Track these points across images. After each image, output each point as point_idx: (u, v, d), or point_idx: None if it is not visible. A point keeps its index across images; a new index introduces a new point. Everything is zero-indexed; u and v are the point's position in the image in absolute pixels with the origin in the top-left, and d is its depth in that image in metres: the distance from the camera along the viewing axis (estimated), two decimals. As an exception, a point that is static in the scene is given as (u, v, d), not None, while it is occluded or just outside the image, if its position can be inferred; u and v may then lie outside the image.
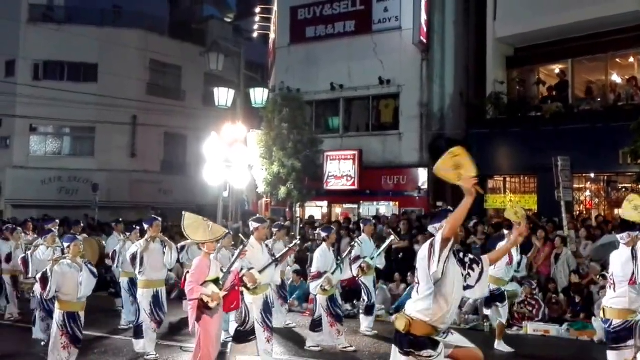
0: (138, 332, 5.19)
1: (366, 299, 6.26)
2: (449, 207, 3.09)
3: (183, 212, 4.20)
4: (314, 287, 5.45)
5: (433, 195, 11.46)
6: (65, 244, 4.49)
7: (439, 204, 10.35)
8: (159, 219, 5.51)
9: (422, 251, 2.80)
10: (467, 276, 2.74)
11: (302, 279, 7.67)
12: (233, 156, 9.44)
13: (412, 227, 8.76)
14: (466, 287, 2.77)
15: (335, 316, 5.44)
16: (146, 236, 5.28)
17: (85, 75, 17.39)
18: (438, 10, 12.06)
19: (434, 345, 2.70)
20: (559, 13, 10.00)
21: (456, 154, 2.74)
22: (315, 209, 12.77)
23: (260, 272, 4.69)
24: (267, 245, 5.11)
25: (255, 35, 17.54)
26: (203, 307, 3.91)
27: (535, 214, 9.49)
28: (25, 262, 5.77)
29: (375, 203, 12.20)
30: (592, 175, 10.36)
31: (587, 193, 10.73)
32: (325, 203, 12.80)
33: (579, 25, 9.97)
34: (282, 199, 10.85)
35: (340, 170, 12.17)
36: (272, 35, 15.83)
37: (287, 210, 11.76)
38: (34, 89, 16.11)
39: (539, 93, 11.24)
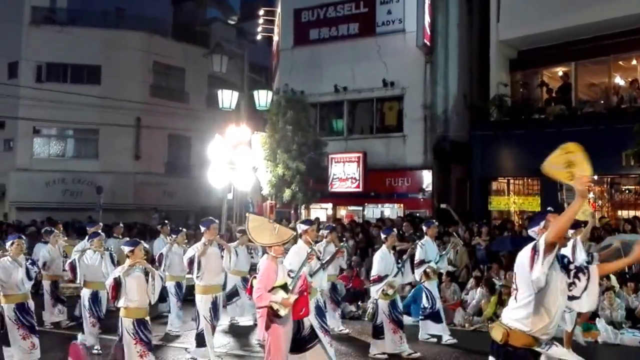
0: (200, 341, 4.91)
1: (427, 305, 5.92)
2: (549, 208, 2.93)
3: (247, 214, 4.08)
4: (375, 291, 5.28)
5: (437, 197, 11.50)
6: (127, 249, 4.24)
7: (443, 205, 10.40)
8: (216, 221, 5.28)
9: (522, 256, 2.55)
10: (572, 285, 2.50)
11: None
12: (237, 158, 9.48)
13: (417, 229, 8.79)
14: (571, 298, 2.53)
15: (397, 322, 5.27)
16: (203, 239, 5.00)
17: (89, 77, 17.41)
18: (441, 13, 12.10)
19: (535, 357, 2.49)
20: (562, 16, 10.03)
21: (570, 150, 2.49)
22: (320, 211, 12.79)
23: (312, 276, 4.53)
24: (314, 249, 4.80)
25: (258, 37, 17.54)
26: (273, 315, 3.70)
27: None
28: (72, 267, 5.56)
29: (379, 205, 12.23)
30: (596, 177, 10.38)
31: (591, 195, 10.74)
32: (330, 205, 12.82)
33: (582, 27, 10.00)
34: (286, 201, 10.89)
35: (344, 172, 12.20)
36: (275, 38, 15.87)
37: (292, 212, 11.80)
38: (37, 91, 16.13)
39: (542, 95, 11.27)
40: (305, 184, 10.71)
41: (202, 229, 5.13)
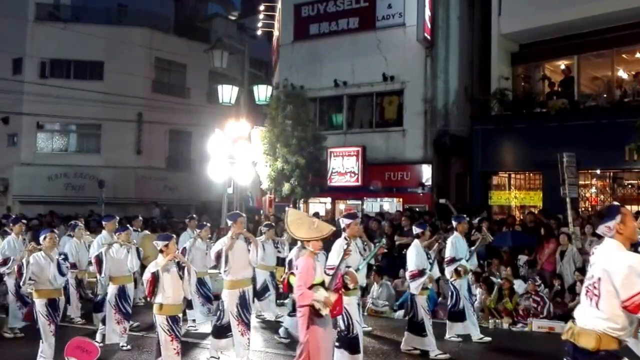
0: (220, 332, 4.80)
1: (450, 304, 5.73)
2: (615, 202, 2.74)
3: (286, 208, 3.94)
4: (415, 286, 5.07)
5: (437, 191, 11.45)
6: (161, 243, 4.10)
7: (442, 200, 10.35)
8: (243, 214, 5.18)
9: (615, 267, 2.38)
10: None
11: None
12: (237, 153, 9.49)
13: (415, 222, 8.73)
14: None
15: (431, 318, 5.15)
16: (230, 233, 4.88)
17: (92, 73, 17.51)
18: (442, 6, 12.01)
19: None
20: (564, 9, 9.92)
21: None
22: (319, 205, 12.80)
23: (356, 271, 4.38)
24: (356, 244, 4.66)
25: (259, 32, 17.57)
26: (314, 315, 3.53)
27: (540, 211, 9.45)
28: (99, 260, 5.41)
29: (378, 199, 12.20)
30: (598, 171, 10.28)
31: (593, 190, 10.65)
32: (329, 199, 12.81)
33: (584, 20, 9.89)
34: (285, 195, 10.89)
35: (343, 166, 12.18)
36: (275, 33, 15.86)
37: (291, 206, 11.79)
38: (40, 86, 16.24)
39: (544, 89, 11.16)
40: (304, 178, 10.70)
41: (229, 222, 5.04)
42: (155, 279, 3.95)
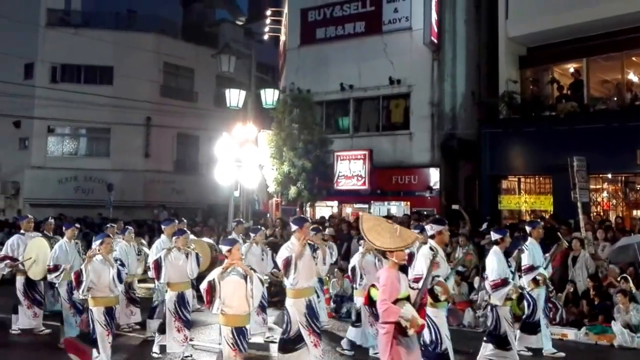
0: (287, 345, 4.47)
1: (526, 315, 5.33)
2: None
3: (360, 214, 3.72)
4: (498, 297, 4.67)
5: (445, 195, 11.37)
6: (225, 248, 3.84)
7: (455, 206, 10.14)
8: (309, 219, 4.96)
9: None
10: None
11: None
12: (244, 156, 9.52)
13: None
14: None
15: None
16: (294, 239, 4.52)
17: (101, 78, 17.75)
18: (449, 10, 11.99)
19: None
20: (572, 11, 9.84)
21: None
22: (326, 209, 12.78)
23: (446, 280, 4.05)
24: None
25: (266, 37, 17.69)
26: (399, 334, 3.19)
27: (551, 216, 9.32)
28: (158, 266, 5.10)
29: (386, 203, 12.15)
30: (609, 175, 10.14)
31: (604, 194, 10.49)
32: (335, 203, 12.80)
33: (593, 23, 9.79)
34: (292, 198, 10.91)
35: (350, 170, 12.16)
36: (282, 37, 15.95)
37: (298, 210, 11.80)
38: (51, 91, 16.51)
39: (553, 92, 11.06)
40: (311, 182, 10.71)
41: (293, 227, 4.61)
42: (211, 287, 3.66)
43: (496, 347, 4.81)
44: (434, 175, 11.54)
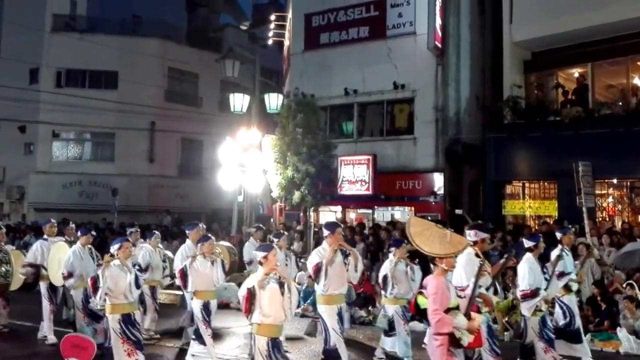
0: (333, 357, 4.30)
1: (564, 323, 5.19)
2: None
3: (408, 218, 3.55)
4: (528, 308, 4.49)
5: (449, 200, 11.32)
6: (260, 254, 3.63)
7: (458, 211, 10.11)
8: (342, 225, 4.74)
9: None
10: None
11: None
12: (248, 161, 9.56)
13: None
14: None
15: (549, 340, 4.53)
16: (326, 244, 4.38)
17: (106, 83, 17.87)
18: (453, 15, 12.00)
19: None
20: (576, 16, 9.82)
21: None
22: (329, 214, 12.74)
23: (487, 290, 3.86)
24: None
25: (270, 42, 17.77)
26: (452, 345, 3.07)
27: (556, 221, 9.26)
28: (183, 274, 4.95)
29: (389, 208, 12.12)
30: (615, 181, 10.07)
31: (610, 199, 10.42)
32: (339, 208, 12.76)
33: (598, 28, 9.77)
34: (296, 203, 10.87)
35: (354, 175, 12.14)
36: (286, 42, 16.01)
37: (301, 214, 11.79)
38: (56, 96, 16.63)
39: (557, 97, 11.03)
40: (314, 187, 10.68)
41: (325, 232, 4.48)
42: (251, 295, 3.50)
43: (520, 357, 4.71)
44: (438, 180, 11.50)
